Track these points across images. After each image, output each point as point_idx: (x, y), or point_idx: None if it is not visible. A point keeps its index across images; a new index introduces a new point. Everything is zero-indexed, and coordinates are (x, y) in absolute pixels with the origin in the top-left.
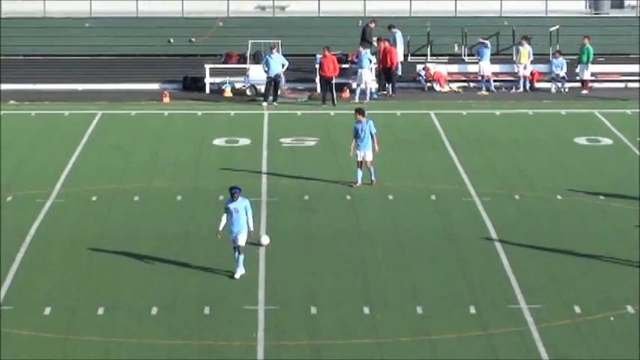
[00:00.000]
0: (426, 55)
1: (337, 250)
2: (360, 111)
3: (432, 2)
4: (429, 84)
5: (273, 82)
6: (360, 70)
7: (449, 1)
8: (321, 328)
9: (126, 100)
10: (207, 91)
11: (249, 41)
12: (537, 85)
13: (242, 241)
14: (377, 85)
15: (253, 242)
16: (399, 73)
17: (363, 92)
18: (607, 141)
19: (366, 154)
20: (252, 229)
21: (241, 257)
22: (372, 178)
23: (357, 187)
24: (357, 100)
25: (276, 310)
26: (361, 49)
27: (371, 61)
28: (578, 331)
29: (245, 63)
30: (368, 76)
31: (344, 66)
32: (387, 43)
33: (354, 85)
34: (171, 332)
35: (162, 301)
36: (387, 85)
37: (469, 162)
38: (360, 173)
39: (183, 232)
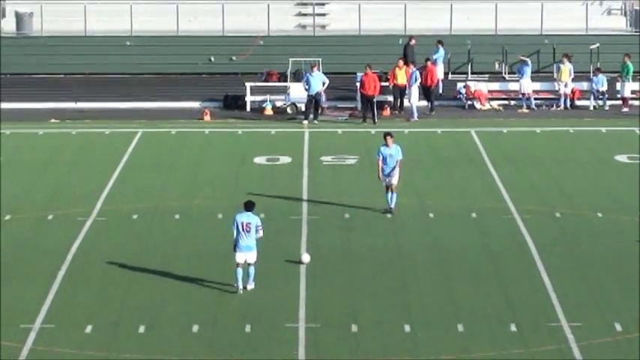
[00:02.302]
0: (466, 73)
1: (378, 268)
2: (390, 134)
3: (473, 20)
4: (469, 102)
5: (313, 100)
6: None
7: (489, 19)
8: (362, 346)
9: (167, 119)
10: (248, 109)
11: (290, 59)
12: (578, 102)
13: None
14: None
15: (294, 260)
16: (440, 91)
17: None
18: None
19: (392, 179)
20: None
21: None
22: (392, 205)
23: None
24: (415, 119)
25: (317, 328)
26: (412, 67)
27: (417, 80)
28: (619, 349)
29: (286, 81)
30: (415, 95)
31: (384, 84)
32: (429, 62)
33: (406, 103)
34: (212, 350)
35: (204, 319)
36: (427, 103)
37: (510, 180)
38: (389, 196)
39: (224, 250)
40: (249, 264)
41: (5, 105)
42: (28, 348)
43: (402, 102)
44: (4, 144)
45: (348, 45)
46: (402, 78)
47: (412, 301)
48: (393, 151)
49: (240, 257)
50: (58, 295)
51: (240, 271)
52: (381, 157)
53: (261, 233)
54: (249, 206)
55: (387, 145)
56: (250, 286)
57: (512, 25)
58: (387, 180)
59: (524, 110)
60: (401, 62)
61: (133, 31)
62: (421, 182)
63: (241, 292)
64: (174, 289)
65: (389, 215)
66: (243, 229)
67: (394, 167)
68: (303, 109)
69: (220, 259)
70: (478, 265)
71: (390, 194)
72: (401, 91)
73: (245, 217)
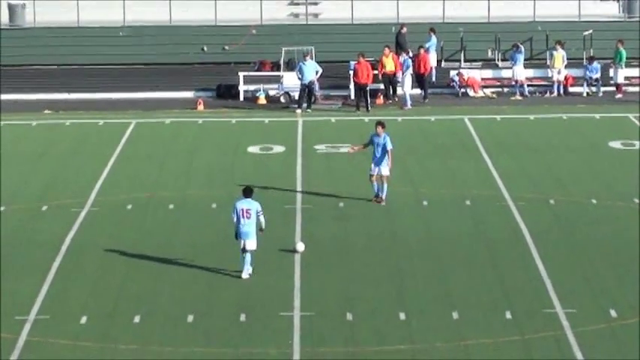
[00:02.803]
0: (459, 61)
1: (372, 257)
2: (381, 123)
3: (465, 8)
4: (462, 89)
5: (307, 89)
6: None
7: (482, 7)
8: (357, 334)
9: (160, 109)
10: (242, 98)
11: (283, 48)
12: (571, 89)
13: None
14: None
15: (288, 249)
16: (433, 78)
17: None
18: None
19: (382, 169)
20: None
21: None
22: (383, 195)
23: (377, 200)
24: (408, 107)
25: (312, 317)
26: (404, 54)
27: (409, 67)
28: (614, 335)
29: (279, 70)
30: (408, 83)
31: (377, 72)
32: (422, 50)
33: (400, 91)
34: (207, 339)
35: (199, 309)
36: (420, 91)
37: (504, 167)
38: (377, 187)
39: (219, 239)
40: (247, 250)
41: None
42: (24, 339)
43: (394, 89)
44: None
45: (340, 33)
46: (390, 65)
47: (407, 289)
48: (381, 140)
49: (241, 243)
50: (53, 286)
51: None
52: (368, 142)
53: (262, 219)
54: (248, 192)
55: (377, 134)
56: (247, 271)
57: (505, 13)
58: (377, 170)
59: (518, 97)
60: (387, 50)
61: (126, 21)
62: (415, 170)
63: (247, 277)
64: (168, 279)
65: (383, 204)
66: (243, 216)
67: (383, 157)
68: (297, 97)
69: (215, 248)
70: (473, 252)
71: (377, 185)
72: (390, 79)
73: (245, 204)
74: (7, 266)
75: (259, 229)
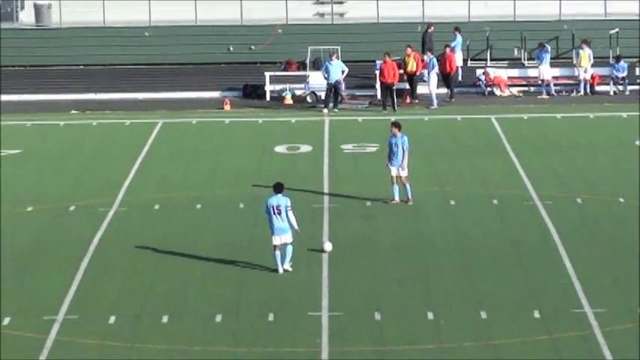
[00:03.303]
0: (485, 60)
1: (400, 256)
2: (396, 124)
3: (491, 6)
4: (489, 89)
5: (333, 89)
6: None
7: (508, 6)
8: (385, 333)
9: (187, 109)
10: (268, 98)
11: (309, 48)
12: (598, 88)
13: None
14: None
15: (316, 249)
16: (459, 78)
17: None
18: None
19: (400, 170)
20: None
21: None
22: (409, 196)
23: (393, 204)
24: (434, 106)
25: (340, 317)
26: (429, 54)
27: (434, 67)
28: None
29: (305, 70)
30: (433, 82)
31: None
32: (447, 49)
33: (424, 90)
34: (235, 339)
35: (227, 308)
36: (446, 90)
37: (530, 166)
38: (396, 189)
39: (246, 239)
40: (285, 244)
41: (25, 97)
42: (52, 339)
43: (413, 89)
44: (25, 135)
45: (366, 33)
46: (411, 65)
47: (435, 288)
48: (399, 140)
49: (276, 240)
50: (81, 286)
51: (278, 253)
52: (388, 147)
53: (291, 214)
54: (278, 188)
55: (393, 135)
56: (286, 265)
57: (531, 11)
58: (397, 170)
59: (544, 96)
60: (409, 49)
61: (152, 21)
62: (442, 169)
63: (281, 272)
64: (196, 279)
65: (410, 204)
66: (274, 212)
67: (402, 157)
68: (323, 97)
69: (242, 248)
70: (500, 251)
71: (397, 186)
72: (411, 79)
73: (275, 200)
74: (35, 266)
75: (292, 227)
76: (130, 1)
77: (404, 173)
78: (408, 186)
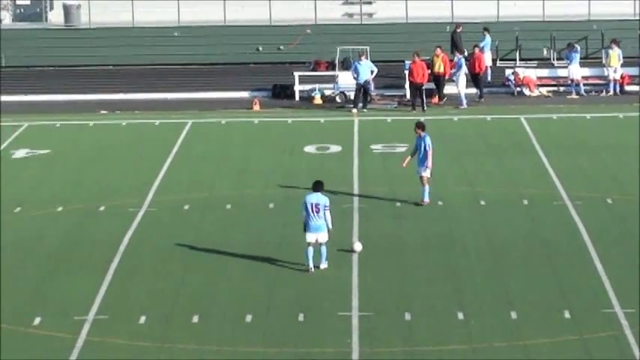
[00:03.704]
0: (514, 60)
1: (430, 256)
2: (419, 125)
3: (520, 6)
4: (518, 89)
5: (362, 89)
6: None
7: (537, 6)
8: (415, 334)
9: (216, 109)
10: (297, 98)
11: (338, 48)
12: (627, 88)
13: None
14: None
15: (346, 249)
16: (489, 78)
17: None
18: None
19: (422, 170)
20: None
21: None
22: (425, 198)
23: (425, 204)
24: (464, 106)
25: (370, 317)
26: (458, 54)
27: (461, 67)
28: None
29: (334, 70)
30: (462, 82)
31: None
32: (476, 49)
33: (453, 91)
34: (265, 339)
35: (257, 308)
36: (476, 90)
37: (560, 166)
38: (427, 189)
39: (276, 239)
40: (320, 243)
41: (56, 97)
42: (83, 339)
43: (440, 90)
44: (54, 136)
45: (395, 33)
46: (438, 66)
47: (465, 288)
48: (422, 141)
49: (311, 237)
50: (112, 286)
51: (310, 250)
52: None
53: (328, 213)
54: (317, 186)
55: (418, 135)
56: (323, 265)
57: (560, 11)
58: (420, 171)
59: (574, 96)
60: (438, 50)
61: (181, 21)
62: (471, 169)
63: (312, 271)
64: (226, 279)
65: (440, 203)
66: (312, 210)
67: (425, 157)
68: (352, 97)
69: (272, 248)
70: (530, 251)
71: (425, 186)
72: (437, 80)
73: (314, 198)
74: (65, 266)
75: (327, 226)
76: (159, 1)
77: (425, 173)
78: (427, 187)
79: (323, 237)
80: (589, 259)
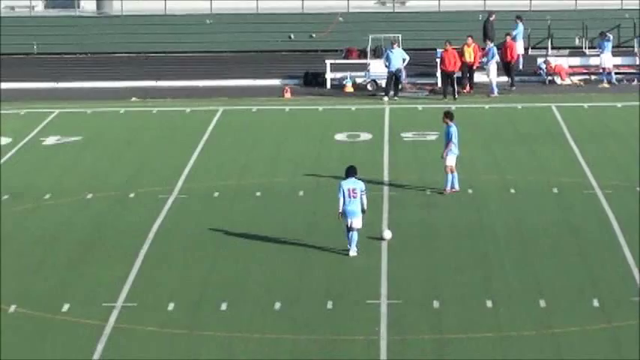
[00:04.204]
0: (546, 49)
1: (459, 244)
2: (448, 115)
3: None
4: (550, 77)
5: (394, 77)
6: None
7: None
8: (444, 322)
9: (247, 96)
10: (328, 86)
11: (370, 36)
12: None
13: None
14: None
15: (375, 237)
16: (520, 66)
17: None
18: None
19: (447, 159)
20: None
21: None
22: (447, 186)
23: (450, 193)
24: (495, 95)
25: (399, 305)
26: (489, 43)
27: (494, 56)
28: None
29: (366, 58)
30: (493, 71)
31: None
32: (508, 38)
33: (484, 79)
34: (294, 327)
35: (286, 296)
36: (507, 78)
37: (591, 155)
38: (449, 177)
39: (306, 227)
40: (353, 229)
41: (87, 84)
42: (111, 326)
43: (470, 79)
44: (85, 123)
45: (427, 21)
46: (468, 55)
47: (494, 276)
48: (449, 129)
49: (347, 222)
50: (140, 273)
51: (351, 234)
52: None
53: (364, 199)
54: (352, 172)
55: (446, 124)
56: (352, 251)
57: (592, 0)
58: (447, 160)
59: (605, 85)
60: (470, 39)
61: (213, 9)
62: (502, 158)
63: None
64: (255, 267)
65: (470, 191)
66: (349, 195)
67: (448, 147)
68: (384, 85)
69: (302, 236)
70: (559, 240)
71: (449, 175)
72: (468, 69)
73: (351, 184)
74: (94, 253)
75: (362, 209)
76: None
77: (451, 162)
78: (449, 175)
79: (357, 222)
80: (618, 247)
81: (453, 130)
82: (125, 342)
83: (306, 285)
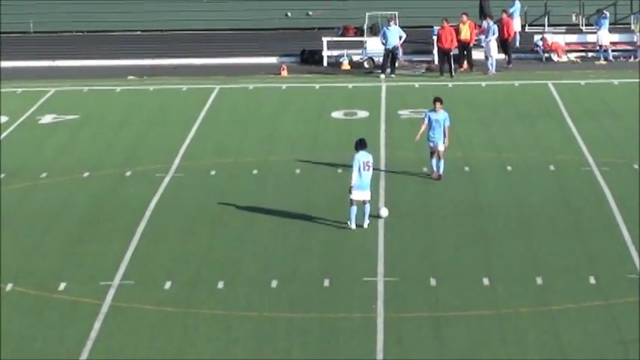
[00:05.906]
0: (543, 26)
1: (456, 222)
2: (439, 100)
3: None
4: (546, 54)
5: (390, 55)
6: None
7: None
8: (441, 299)
9: (244, 74)
10: (325, 64)
11: (367, 14)
12: None
13: None
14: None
15: (372, 214)
16: (517, 44)
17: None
18: None
19: (438, 144)
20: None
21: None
22: (440, 172)
23: (434, 176)
24: (492, 72)
25: (396, 282)
26: (488, 20)
27: (494, 33)
28: None
29: (362, 35)
30: (493, 48)
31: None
32: (505, 15)
33: (481, 56)
34: (291, 305)
35: (282, 274)
36: (504, 56)
37: (587, 132)
38: (435, 162)
39: (302, 205)
40: (365, 202)
41: (83, 62)
42: (108, 304)
43: (468, 57)
44: (82, 101)
45: None
46: (465, 33)
47: (491, 254)
48: (440, 117)
49: (359, 195)
50: (137, 251)
51: (354, 209)
52: (426, 120)
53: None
54: (362, 144)
55: (434, 110)
56: (367, 223)
57: None
58: (432, 145)
59: (602, 62)
60: (464, 17)
61: None
62: (499, 135)
63: (354, 229)
64: (252, 245)
65: (466, 168)
66: (364, 168)
67: (442, 133)
68: (380, 63)
69: (298, 214)
70: (556, 217)
71: (435, 160)
72: (464, 47)
73: (365, 156)
74: (91, 232)
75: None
76: None
77: (441, 147)
78: (442, 162)
79: (368, 195)
80: (615, 224)
81: (447, 117)
82: (122, 320)
83: (302, 263)
